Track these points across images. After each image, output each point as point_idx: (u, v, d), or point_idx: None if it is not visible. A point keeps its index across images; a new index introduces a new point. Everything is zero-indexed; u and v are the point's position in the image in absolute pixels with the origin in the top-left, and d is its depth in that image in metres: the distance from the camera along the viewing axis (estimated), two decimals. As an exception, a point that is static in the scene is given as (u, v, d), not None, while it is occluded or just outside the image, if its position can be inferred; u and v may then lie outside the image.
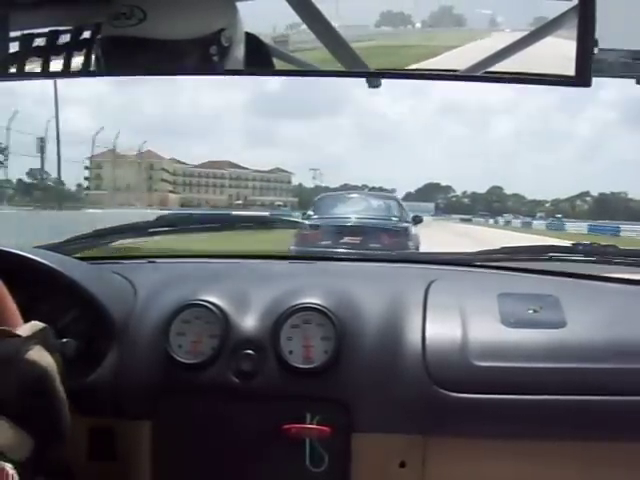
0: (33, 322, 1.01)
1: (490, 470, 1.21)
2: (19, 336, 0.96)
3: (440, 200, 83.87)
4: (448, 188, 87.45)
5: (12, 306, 1.01)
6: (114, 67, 1.29)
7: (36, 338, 0.98)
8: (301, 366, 1.21)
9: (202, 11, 1.27)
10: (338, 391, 1.21)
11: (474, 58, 1.22)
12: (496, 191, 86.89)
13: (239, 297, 1.30)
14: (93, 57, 1.30)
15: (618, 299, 1.40)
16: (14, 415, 0.92)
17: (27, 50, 1.30)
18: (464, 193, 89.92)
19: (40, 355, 0.97)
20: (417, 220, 9.78)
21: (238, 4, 1.31)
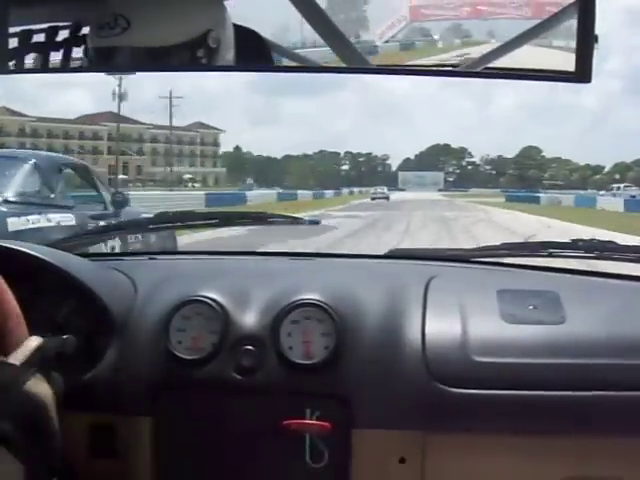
0: (30, 340, 0.99)
1: (490, 465, 1.22)
2: (14, 365, 0.94)
3: (452, 168, 63.54)
4: (462, 151, 64.52)
5: (17, 313, 1.00)
6: (106, 66, 1.29)
7: (33, 364, 0.96)
8: (301, 362, 1.22)
9: (186, 14, 1.26)
10: (338, 387, 1.21)
11: (474, 54, 1.22)
12: (531, 154, 61.19)
13: (239, 293, 1.30)
14: (85, 54, 1.30)
15: (618, 295, 1.40)
16: (7, 445, 0.92)
17: (25, 45, 1.30)
18: (485, 158, 65.00)
19: (37, 385, 0.96)
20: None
21: (232, 2, 1.30)
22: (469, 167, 63.88)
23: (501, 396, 1.19)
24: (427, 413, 1.20)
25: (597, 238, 1.63)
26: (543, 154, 61.53)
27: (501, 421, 1.20)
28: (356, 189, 52.99)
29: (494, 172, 61.72)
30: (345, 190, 51.22)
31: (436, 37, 1.28)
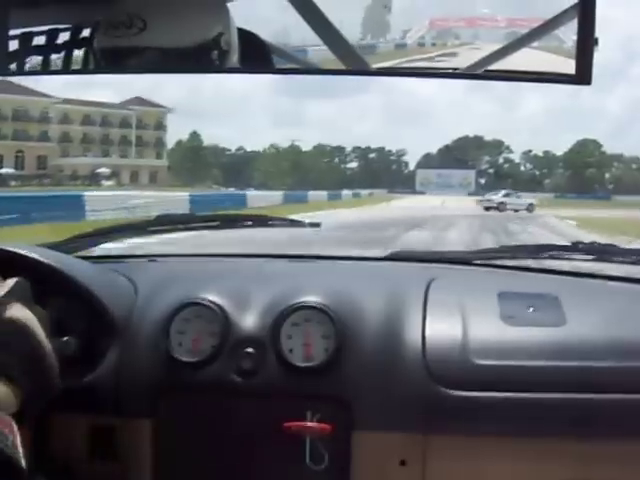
0: (9, 279, 1.02)
1: (490, 468, 1.21)
2: None
3: (485, 166, 48.73)
4: (498, 146, 49.69)
5: None
6: (114, 67, 1.29)
7: (13, 295, 1.00)
8: (301, 364, 1.21)
9: (200, 17, 1.26)
10: (338, 389, 1.21)
11: (475, 56, 1.22)
12: (589, 149, 47.37)
13: (239, 295, 1.30)
14: (92, 54, 1.30)
15: (618, 298, 1.40)
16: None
17: (27, 47, 1.30)
18: (527, 154, 50.50)
19: (18, 311, 0.99)
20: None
21: (236, 4, 1.31)
22: (506, 165, 50.46)
23: (501, 398, 1.18)
24: (427, 415, 1.20)
25: (598, 241, 1.63)
26: (603, 150, 48.21)
27: (501, 423, 1.19)
28: (364, 191, 45.28)
29: (541, 171, 49.01)
30: (347, 192, 42.99)
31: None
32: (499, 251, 1.63)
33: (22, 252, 1.31)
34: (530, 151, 50.06)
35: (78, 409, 1.26)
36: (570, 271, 1.53)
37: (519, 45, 1.22)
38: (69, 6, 1.33)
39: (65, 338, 1.25)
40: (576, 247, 1.60)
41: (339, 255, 1.80)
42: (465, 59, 1.23)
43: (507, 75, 1.26)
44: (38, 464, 1.22)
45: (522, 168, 50.30)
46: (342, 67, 1.26)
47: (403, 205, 33.48)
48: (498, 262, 1.59)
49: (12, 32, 1.27)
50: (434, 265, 1.56)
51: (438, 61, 1.27)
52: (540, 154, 49.76)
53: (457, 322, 1.26)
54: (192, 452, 1.24)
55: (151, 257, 1.64)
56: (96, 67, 1.32)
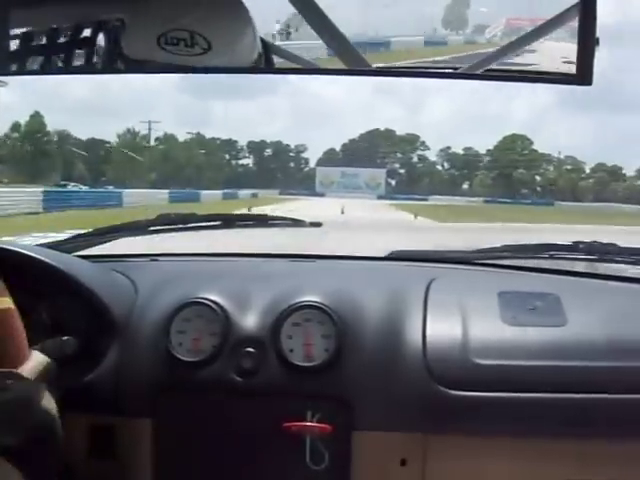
0: (36, 356, 1.02)
1: (491, 468, 1.21)
2: (29, 380, 0.96)
3: (397, 164, 41.72)
4: (413, 141, 42.27)
5: (19, 327, 1.01)
6: (134, 70, 1.27)
7: (44, 380, 0.99)
8: (302, 364, 1.22)
9: (253, 34, 1.22)
10: (339, 389, 1.21)
11: (475, 56, 1.22)
12: (518, 147, 40.47)
13: (240, 295, 1.30)
14: (113, 57, 1.27)
15: (619, 297, 1.40)
16: (18, 459, 0.94)
17: (28, 47, 1.30)
18: (445, 151, 43.17)
19: (50, 402, 0.99)
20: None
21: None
22: (420, 165, 41.99)
23: (502, 398, 1.18)
24: (428, 415, 1.20)
25: (598, 240, 1.63)
26: (534, 147, 40.40)
27: (501, 423, 1.20)
28: (247, 191, 35.11)
29: (461, 171, 41.51)
30: (245, 192, 34.06)
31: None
32: (499, 251, 1.63)
33: (23, 251, 1.31)
34: (449, 148, 42.35)
35: (78, 408, 1.26)
36: (570, 271, 1.53)
37: (519, 45, 1.22)
38: (70, 6, 1.33)
39: (65, 337, 1.25)
40: (576, 247, 1.60)
41: (339, 255, 1.80)
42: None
43: (507, 75, 1.25)
44: (43, 473, 1.22)
45: (439, 167, 42.98)
46: (342, 66, 1.26)
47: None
48: (498, 262, 1.59)
49: (13, 32, 1.27)
50: (434, 265, 1.56)
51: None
52: (460, 152, 42.22)
53: (457, 322, 1.26)
54: (192, 451, 1.24)
55: (151, 257, 1.64)
56: (102, 68, 1.31)
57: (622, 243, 1.59)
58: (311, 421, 1.20)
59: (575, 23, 1.07)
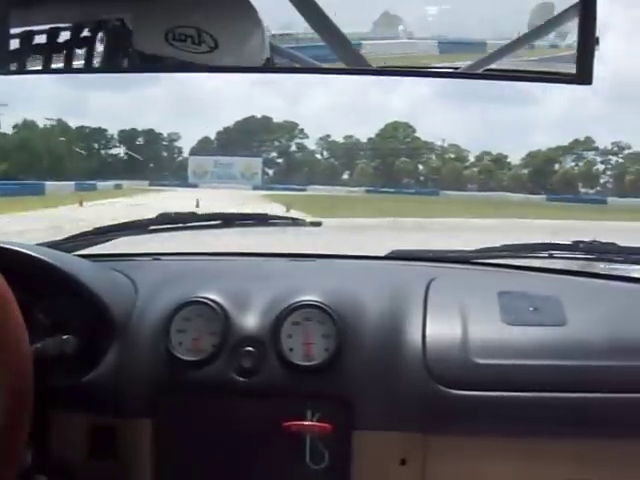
0: None
1: (491, 468, 1.21)
2: None
3: (275, 153, 38.25)
4: (290, 129, 39.08)
5: (17, 315, 1.02)
6: (143, 69, 1.26)
7: None
8: (302, 363, 1.22)
9: (261, 33, 1.22)
10: (339, 388, 1.21)
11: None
12: (400, 134, 37.62)
13: (240, 294, 1.30)
14: (118, 53, 1.27)
15: (619, 297, 1.40)
16: None
17: (29, 46, 1.30)
18: (325, 139, 39.18)
19: None
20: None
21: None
22: (299, 153, 38.82)
23: (501, 398, 1.18)
24: (428, 415, 1.20)
25: (598, 240, 1.63)
26: (417, 135, 37.67)
27: (501, 423, 1.20)
28: (111, 183, 30.22)
29: (341, 160, 38.57)
30: (107, 184, 29.50)
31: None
32: (499, 250, 1.63)
33: (23, 250, 1.31)
34: (328, 136, 38.68)
35: (78, 408, 1.26)
36: (570, 270, 1.53)
37: (520, 45, 1.22)
38: (71, 5, 1.33)
39: (65, 337, 1.26)
40: (576, 246, 1.60)
41: (339, 254, 1.80)
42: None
43: (508, 75, 1.26)
44: (38, 463, 1.22)
45: (318, 156, 39.12)
46: (342, 66, 1.26)
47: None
48: (498, 261, 1.59)
49: (13, 31, 1.27)
50: (434, 264, 1.56)
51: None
52: (340, 140, 38.75)
53: (457, 321, 1.26)
54: (192, 451, 1.24)
55: (151, 256, 1.64)
56: (106, 67, 1.30)
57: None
58: (311, 420, 1.20)
59: (575, 23, 1.07)
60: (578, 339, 1.23)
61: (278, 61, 1.33)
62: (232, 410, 1.23)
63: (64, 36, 1.32)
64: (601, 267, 1.59)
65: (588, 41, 1.07)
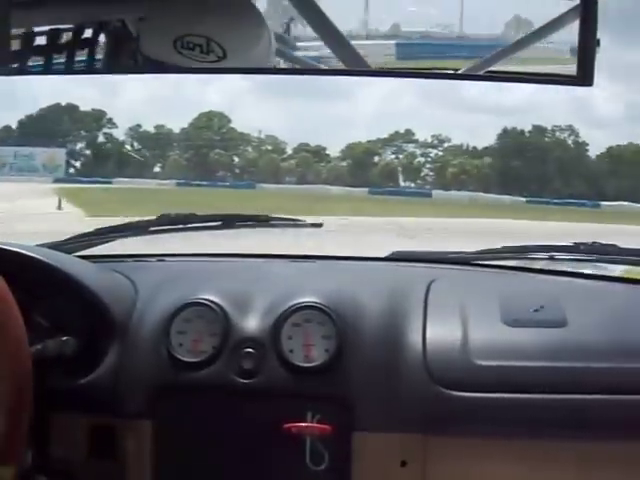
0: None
1: (491, 469, 1.21)
2: None
3: (82, 144, 33.79)
4: (98, 118, 33.94)
5: (17, 315, 1.02)
6: (149, 70, 1.25)
7: None
8: (302, 365, 1.21)
9: (267, 43, 1.21)
10: (339, 390, 1.21)
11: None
12: (214, 125, 34.25)
13: (240, 296, 1.30)
14: (124, 57, 1.26)
15: (619, 298, 1.40)
16: None
17: (29, 48, 1.30)
18: (136, 129, 34.59)
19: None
20: None
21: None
22: (108, 144, 35.23)
23: (502, 399, 1.18)
24: (428, 416, 1.20)
25: (598, 241, 1.63)
26: (232, 126, 35.02)
27: (502, 425, 1.19)
28: None
29: (153, 152, 35.03)
30: None
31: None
32: (500, 252, 1.63)
33: (23, 251, 1.31)
34: (139, 126, 34.91)
35: (78, 409, 1.26)
36: (571, 271, 1.53)
37: (521, 46, 1.22)
38: (71, 5, 1.33)
39: (65, 337, 1.26)
40: (577, 247, 1.60)
41: (339, 255, 1.80)
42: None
43: (508, 76, 1.26)
44: (38, 464, 1.22)
45: (128, 147, 35.28)
46: (342, 67, 1.26)
47: None
48: (499, 263, 1.59)
49: (14, 32, 1.27)
50: (435, 266, 1.56)
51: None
52: (151, 130, 34.98)
53: (458, 323, 1.26)
54: (192, 452, 1.23)
55: (151, 257, 1.64)
56: (106, 67, 1.30)
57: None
58: (311, 422, 1.20)
59: (576, 24, 1.08)
60: (578, 341, 1.23)
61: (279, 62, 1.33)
62: (232, 411, 1.23)
63: (65, 37, 1.32)
64: (601, 268, 1.59)
65: (589, 42, 1.07)
